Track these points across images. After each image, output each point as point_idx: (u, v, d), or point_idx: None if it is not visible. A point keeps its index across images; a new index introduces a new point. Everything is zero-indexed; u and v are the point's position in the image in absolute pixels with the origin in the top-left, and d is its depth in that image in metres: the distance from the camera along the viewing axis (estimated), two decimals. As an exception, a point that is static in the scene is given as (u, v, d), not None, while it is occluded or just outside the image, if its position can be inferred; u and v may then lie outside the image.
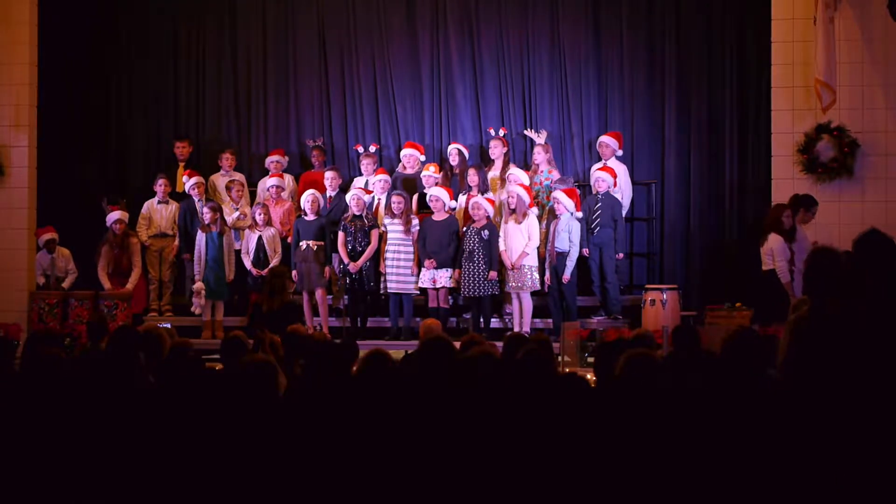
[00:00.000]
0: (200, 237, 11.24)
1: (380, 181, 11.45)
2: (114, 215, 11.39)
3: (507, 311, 11.16)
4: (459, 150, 11.63)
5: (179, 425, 4.70)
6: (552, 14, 12.24)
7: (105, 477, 4.59)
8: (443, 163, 11.88)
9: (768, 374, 4.88)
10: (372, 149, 12.09)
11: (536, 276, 10.75)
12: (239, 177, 12.03)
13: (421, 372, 5.24)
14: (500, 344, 6.87)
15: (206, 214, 11.15)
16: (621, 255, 11.08)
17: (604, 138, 11.50)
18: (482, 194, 11.02)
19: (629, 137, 11.95)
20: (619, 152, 11.49)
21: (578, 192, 11.10)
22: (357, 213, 11.00)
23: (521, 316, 10.68)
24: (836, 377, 4.67)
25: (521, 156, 12.05)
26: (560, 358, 9.41)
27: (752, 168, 11.65)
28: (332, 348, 6.25)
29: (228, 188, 11.69)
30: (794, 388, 4.74)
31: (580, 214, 10.83)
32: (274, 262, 11.07)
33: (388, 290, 11.03)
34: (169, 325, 9.82)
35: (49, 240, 11.53)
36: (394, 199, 11.03)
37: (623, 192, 11.34)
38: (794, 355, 4.93)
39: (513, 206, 10.77)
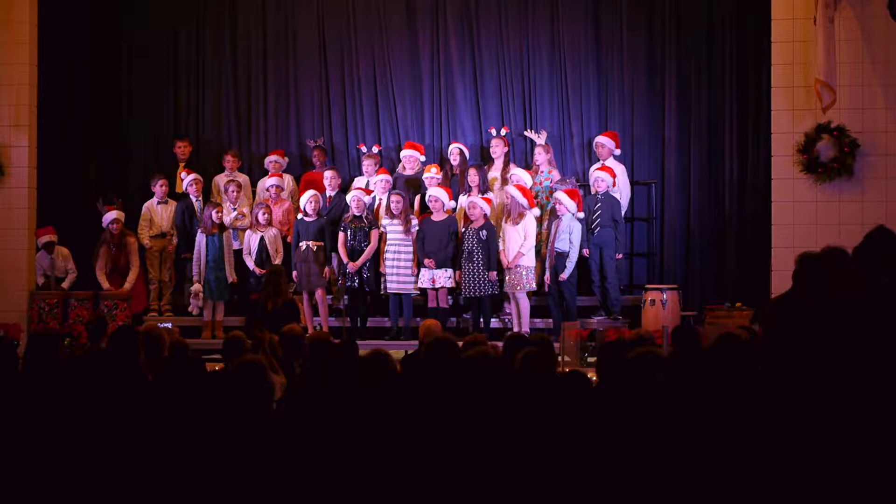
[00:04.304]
0: (200, 238, 11.24)
1: (381, 181, 11.45)
2: (110, 215, 11.38)
3: (507, 311, 11.17)
4: (461, 150, 11.64)
5: (178, 425, 4.70)
6: (552, 14, 12.24)
7: (105, 476, 4.59)
8: (443, 163, 11.89)
9: (758, 373, 4.90)
10: (375, 149, 12.08)
11: (532, 276, 10.76)
12: (242, 178, 12.03)
13: (426, 372, 5.23)
14: (500, 344, 6.87)
15: (215, 216, 11.15)
16: (620, 255, 11.09)
17: (600, 138, 11.50)
18: (482, 194, 11.03)
19: (629, 137, 11.96)
20: (617, 151, 11.48)
21: (580, 192, 11.11)
22: (357, 214, 11.01)
23: (519, 316, 10.70)
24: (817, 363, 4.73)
25: (521, 156, 12.05)
26: (560, 358, 9.42)
27: (752, 168, 11.65)
28: (331, 348, 6.25)
29: (226, 188, 11.69)
30: (779, 378, 4.76)
31: (581, 215, 10.83)
32: (277, 262, 11.06)
33: (388, 291, 11.04)
34: (170, 325, 9.83)
35: (48, 241, 11.53)
36: (392, 198, 11.04)
37: (621, 191, 11.34)
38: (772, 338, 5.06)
39: (508, 207, 10.80)
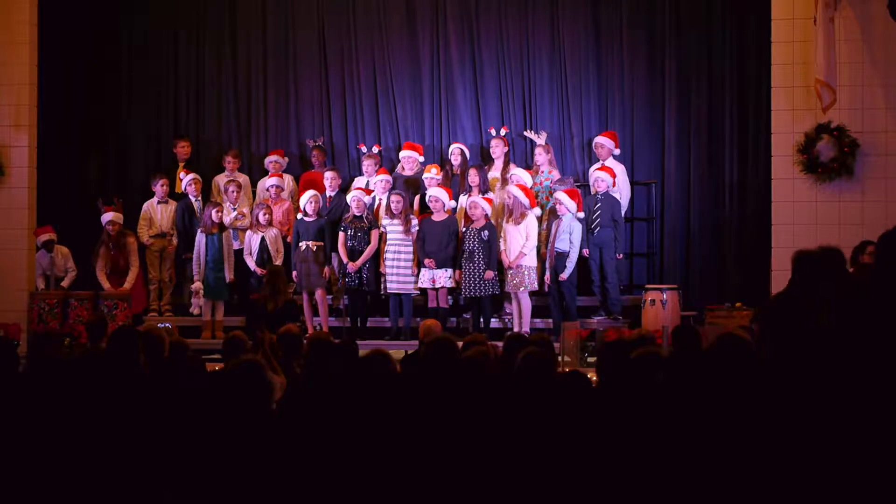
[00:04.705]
0: (200, 237, 11.24)
1: (381, 181, 11.45)
2: (107, 216, 11.37)
3: (508, 311, 11.18)
4: (462, 150, 11.64)
5: (178, 425, 4.71)
6: (552, 14, 12.24)
7: (105, 477, 4.59)
8: (443, 163, 11.89)
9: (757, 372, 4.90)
10: (374, 149, 12.08)
11: (534, 275, 10.77)
12: (242, 178, 12.02)
13: (426, 371, 5.23)
14: (500, 344, 6.87)
15: (215, 216, 11.15)
16: (620, 255, 11.09)
17: (599, 139, 11.50)
18: (483, 194, 11.04)
19: (629, 137, 11.96)
20: (617, 151, 11.48)
21: (580, 192, 11.12)
22: (357, 214, 11.02)
23: (521, 316, 10.71)
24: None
25: (521, 156, 12.05)
26: (560, 358, 9.42)
27: (752, 168, 11.65)
28: (331, 348, 6.25)
29: (226, 189, 11.70)
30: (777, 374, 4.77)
31: (581, 215, 10.84)
32: (277, 262, 11.07)
33: (388, 291, 11.05)
34: (169, 325, 9.83)
35: (47, 240, 11.51)
36: (392, 198, 11.05)
37: (621, 191, 11.34)
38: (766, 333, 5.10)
39: (511, 207, 10.79)
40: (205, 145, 12.73)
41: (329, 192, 11.53)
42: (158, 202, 11.83)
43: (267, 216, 11.21)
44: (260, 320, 9.02)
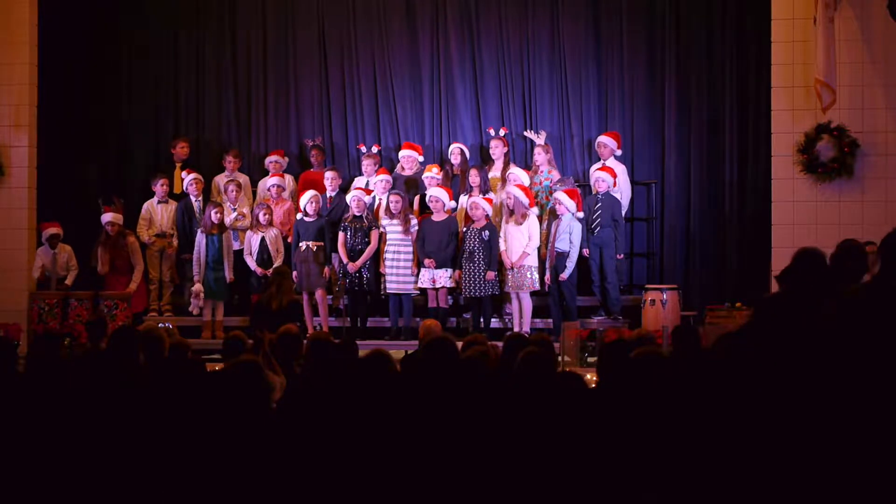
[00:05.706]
0: (200, 238, 11.24)
1: (381, 181, 11.46)
2: (106, 216, 11.36)
3: (508, 311, 11.18)
4: (462, 150, 11.64)
5: (177, 425, 4.70)
6: (552, 14, 12.24)
7: (104, 477, 4.59)
8: (443, 163, 11.89)
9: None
10: (374, 149, 12.08)
11: (536, 276, 10.77)
12: (242, 178, 12.02)
13: (425, 371, 5.23)
14: (500, 344, 6.87)
15: (215, 216, 11.15)
16: (621, 255, 11.09)
17: (602, 138, 11.51)
18: (483, 194, 11.04)
19: (629, 137, 11.96)
20: (618, 152, 11.49)
21: (580, 192, 11.12)
22: (357, 214, 11.02)
23: (521, 316, 10.71)
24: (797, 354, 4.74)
25: (521, 156, 12.06)
26: (560, 358, 9.42)
27: (752, 168, 11.66)
28: (332, 348, 6.25)
29: (226, 188, 11.70)
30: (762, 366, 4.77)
31: (581, 215, 10.84)
32: (278, 261, 11.08)
33: (388, 291, 11.05)
34: (169, 325, 9.83)
35: (53, 234, 11.50)
36: (392, 198, 11.05)
37: (622, 191, 11.35)
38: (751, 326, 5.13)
39: (511, 207, 10.79)
40: (205, 145, 12.73)
41: (329, 192, 11.53)
42: (158, 202, 11.82)
43: (267, 216, 11.22)
44: (264, 320, 9.02)
